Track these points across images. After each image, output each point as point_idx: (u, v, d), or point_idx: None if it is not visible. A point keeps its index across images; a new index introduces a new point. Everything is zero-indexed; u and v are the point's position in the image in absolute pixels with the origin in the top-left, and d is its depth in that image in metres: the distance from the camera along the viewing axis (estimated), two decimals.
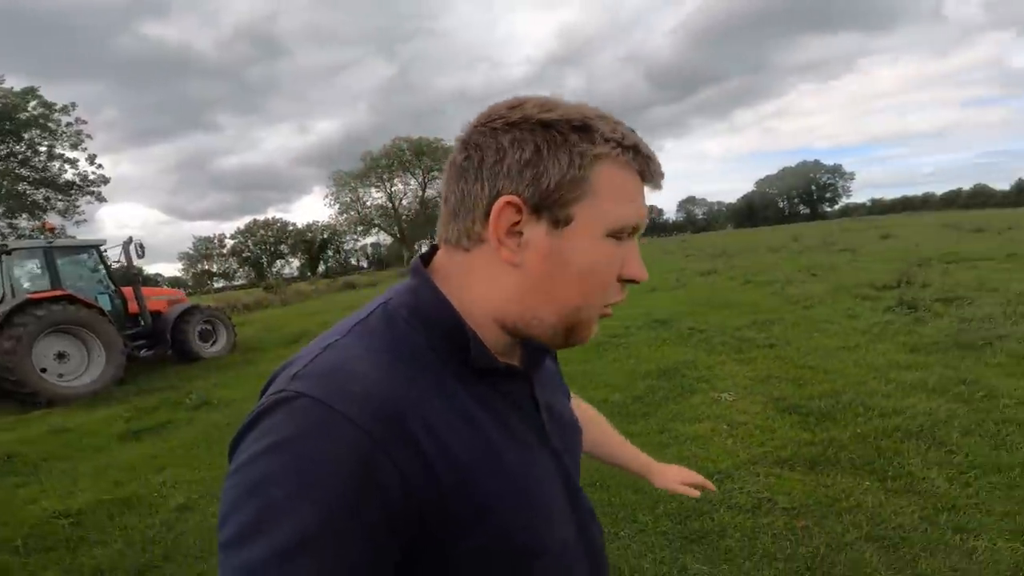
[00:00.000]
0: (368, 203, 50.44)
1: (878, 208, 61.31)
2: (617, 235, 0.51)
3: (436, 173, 49.82)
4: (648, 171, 0.52)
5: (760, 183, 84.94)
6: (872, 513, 2.28)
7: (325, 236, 65.77)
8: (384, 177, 49.47)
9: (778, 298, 8.20)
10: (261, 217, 73.92)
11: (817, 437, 3.08)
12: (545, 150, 0.48)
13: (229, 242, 68.95)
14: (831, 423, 3.27)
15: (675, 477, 0.96)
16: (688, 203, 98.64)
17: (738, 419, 3.51)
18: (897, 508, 2.29)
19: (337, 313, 13.32)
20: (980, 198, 52.86)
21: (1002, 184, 58.79)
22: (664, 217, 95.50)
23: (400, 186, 50.75)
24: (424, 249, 0.60)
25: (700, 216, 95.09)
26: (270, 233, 68.22)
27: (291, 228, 68.56)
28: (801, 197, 67.98)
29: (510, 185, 0.49)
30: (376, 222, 51.49)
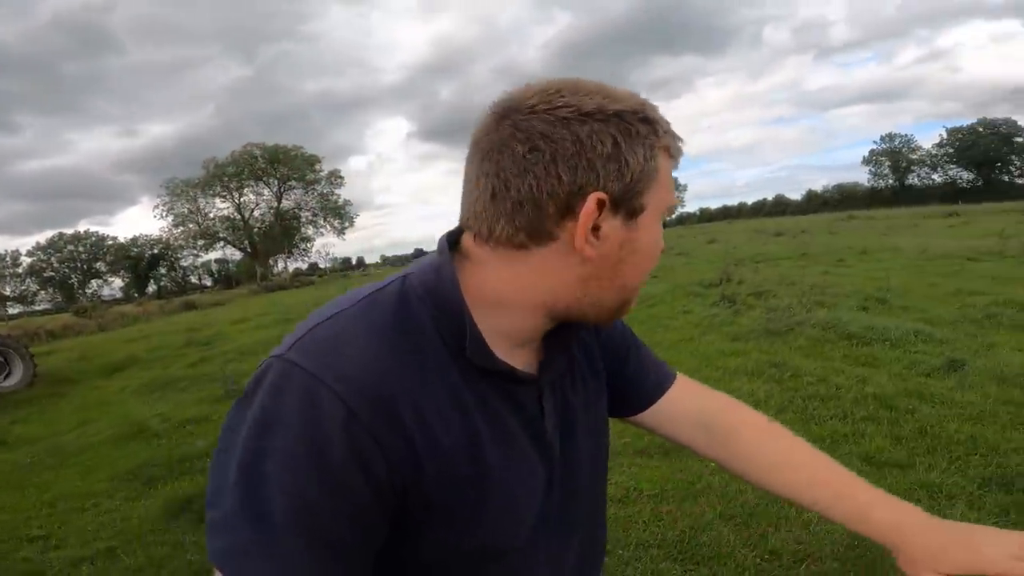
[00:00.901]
0: (211, 214, 45.36)
1: (705, 216, 70.39)
2: (663, 218, 0.52)
3: (294, 182, 46.41)
4: (679, 154, 0.53)
5: None
6: (721, 493, 2.50)
7: (155, 252, 57.58)
8: (232, 186, 44.86)
9: None
10: (70, 230, 61.81)
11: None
12: (624, 143, 0.47)
13: (26, 260, 57.18)
14: None
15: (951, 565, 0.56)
16: None
17: None
18: (739, 486, 2.53)
19: (170, 336, 11.74)
20: (780, 206, 63.32)
21: (795, 194, 71.41)
22: None
23: (251, 196, 46.41)
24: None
25: None
26: (81, 249, 57.87)
27: (109, 243, 58.85)
28: None
29: (595, 180, 0.46)
30: (221, 235, 46.39)
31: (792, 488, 0.67)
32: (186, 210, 44.02)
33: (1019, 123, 50.76)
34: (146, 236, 57.47)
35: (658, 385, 0.72)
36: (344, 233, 48.24)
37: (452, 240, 0.54)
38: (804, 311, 5.95)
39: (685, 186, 78.62)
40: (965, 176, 52.07)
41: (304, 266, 53.70)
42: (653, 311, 7.54)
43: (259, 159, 44.40)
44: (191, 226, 44.65)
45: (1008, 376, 3.53)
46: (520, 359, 0.54)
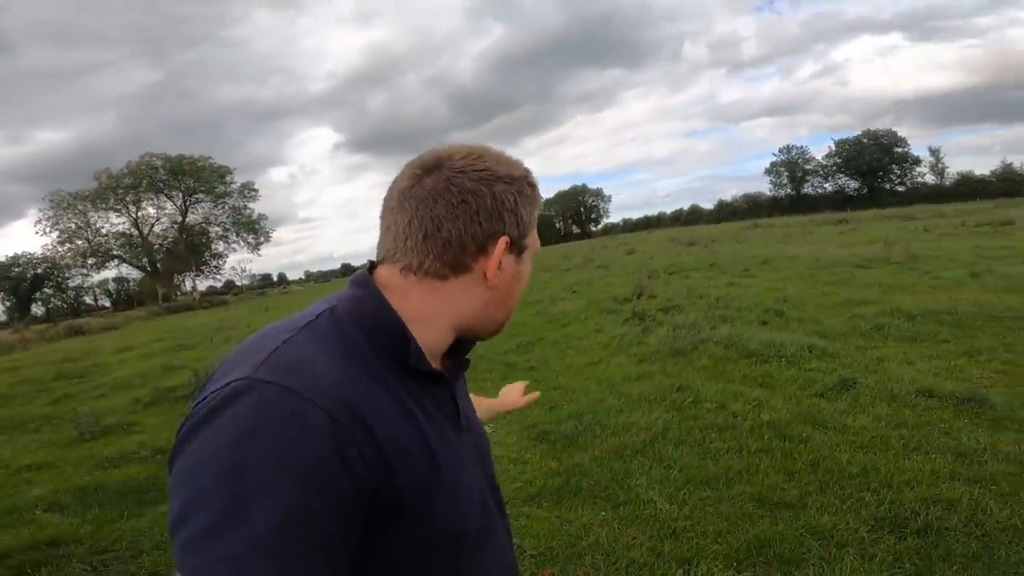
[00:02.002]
0: (104, 230, 41.13)
1: (628, 227, 72.67)
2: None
3: (201, 195, 43.01)
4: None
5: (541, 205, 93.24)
6: (608, 551, 2.25)
7: (38, 271, 51.53)
8: (128, 200, 40.91)
9: (541, 317, 8.74)
10: None
11: (563, 465, 3.09)
12: (519, 200, 0.61)
13: None
14: (575, 448, 3.34)
15: (515, 398, 1.15)
16: None
17: (495, 453, 3.36)
18: (629, 540, 2.30)
19: (41, 368, 10.18)
20: (695, 216, 66.69)
21: (708, 204, 75.39)
22: None
23: (151, 211, 42.50)
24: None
25: None
26: None
27: None
28: (573, 218, 76.98)
29: (502, 227, 0.60)
30: (115, 253, 42.15)
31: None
32: (74, 225, 39.62)
33: (899, 134, 56.97)
34: (29, 254, 51.26)
35: None
36: (259, 249, 45.43)
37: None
38: (708, 327, 5.97)
39: (609, 197, 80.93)
40: (852, 185, 57.30)
41: (218, 284, 50.19)
42: (567, 331, 7.39)
43: (160, 170, 40.78)
44: (79, 243, 40.19)
45: (898, 394, 3.57)
46: (437, 363, 0.63)
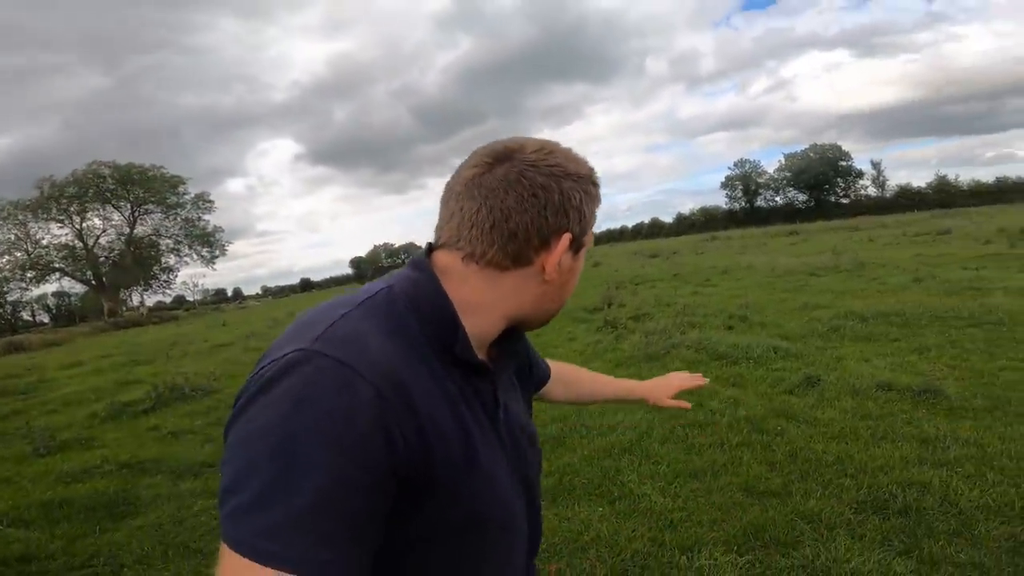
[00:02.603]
0: (45, 241, 38.83)
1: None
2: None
3: (151, 206, 41.13)
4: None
5: None
6: (610, 543, 2.29)
7: None
8: (71, 210, 38.77)
9: None
10: None
11: (553, 466, 3.12)
12: (586, 199, 0.62)
13: None
14: (563, 449, 3.38)
15: (666, 392, 1.14)
16: None
17: None
18: (629, 533, 2.35)
19: None
20: (655, 229, 68.61)
21: (668, 217, 77.69)
22: None
23: (97, 221, 40.37)
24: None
25: None
26: None
27: None
28: None
29: (567, 223, 0.60)
30: (57, 266, 39.82)
31: (600, 394, 1.11)
32: (12, 236, 37.30)
33: (843, 148, 60.24)
34: None
35: (546, 371, 0.95)
36: (214, 263, 43.78)
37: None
38: (678, 333, 6.17)
39: None
40: (800, 198, 60.36)
41: (167, 299, 48.06)
42: (540, 339, 7.46)
43: (107, 179, 38.88)
44: (18, 255, 37.84)
45: (860, 389, 3.79)
46: (483, 355, 0.64)
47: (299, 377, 0.47)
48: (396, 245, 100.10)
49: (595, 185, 0.63)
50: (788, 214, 52.27)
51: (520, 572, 0.71)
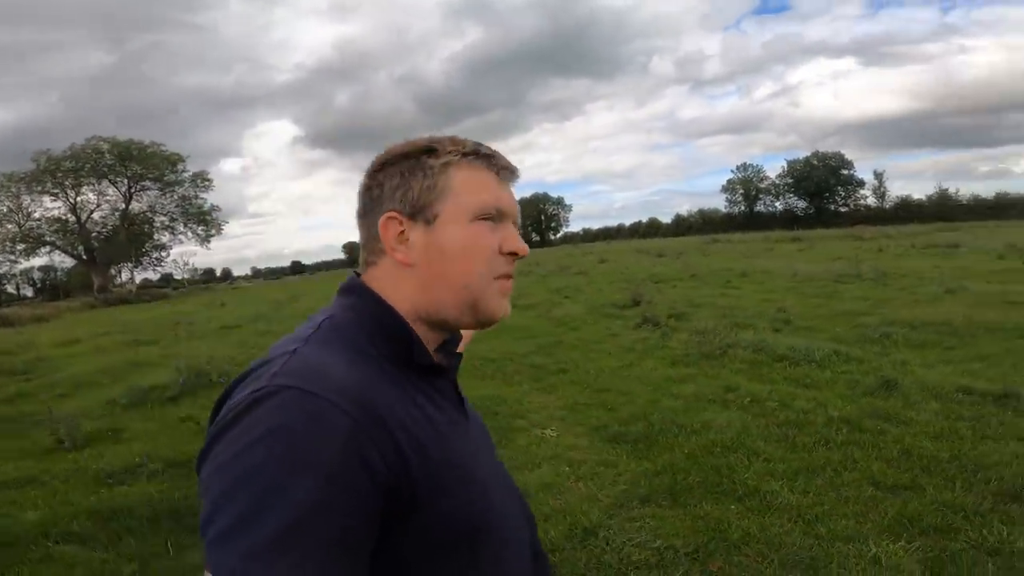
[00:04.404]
0: (37, 215, 38.01)
1: (588, 236, 73.86)
2: (484, 217, 0.62)
3: (148, 183, 40.46)
4: (493, 165, 0.64)
5: None
6: (766, 539, 2.29)
7: None
8: (67, 184, 37.96)
9: (546, 321, 8.81)
10: None
11: (657, 464, 3.13)
12: (407, 173, 0.63)
13: None
14: (658, 447, 3.40)
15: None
16: None
17: (575, 457, 3.39)
18: (780, 529, 2.35)
19: None
20: (653, 229, 68.88)
21: (666, 217, 78.50)
22: None
23: (91, 196, 39.56)
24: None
25: None
26: None
27: None
28: (533, 226, 77.62)
29: (390, 205, 0.62)
30: (49, 239, 39.07)
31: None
32: (5, 208, 36.49)
33: (845, 156, 60.80)
34: None
35: None
36: (209, 241, 43.22)
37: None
38: (732, 333, 6.21)
39: (570, 206, 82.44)
40: (800, 204, 60.91)
41: (155, 277, 47.39)
42: (580, 334, 7.49)
43: (106, 155, 38.11)
44: (10, 227, 37.05)
45: (941, 392, 3.87)
46: (436, 356, 0.65)
47: (266, 409, 0.48)
48: None
49: (429, 152, 0.63)
50: (787, 221, 52.73)
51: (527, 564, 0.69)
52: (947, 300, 7.84)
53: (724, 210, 64.10)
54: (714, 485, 2.82)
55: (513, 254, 0.63)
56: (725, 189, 64.92)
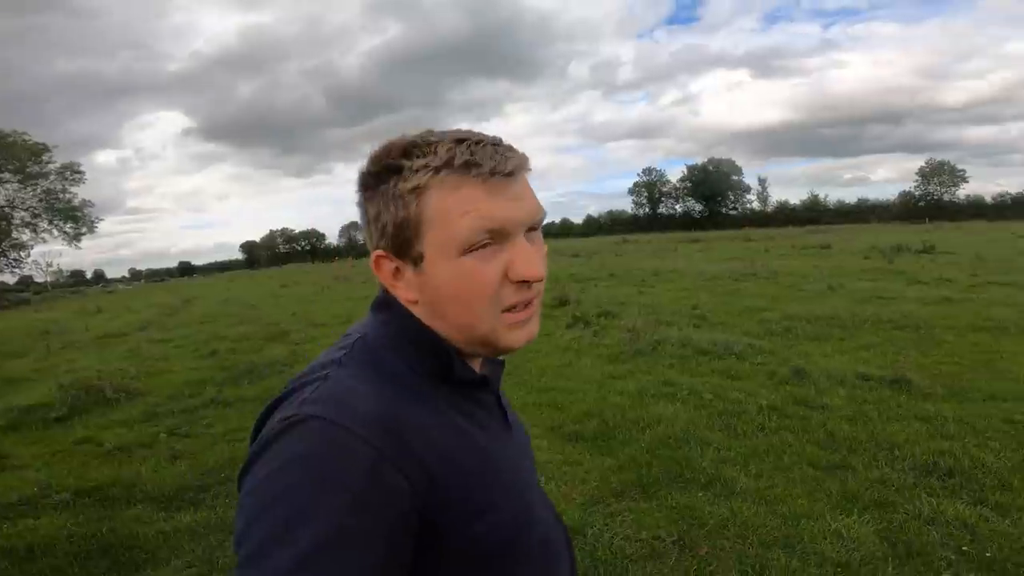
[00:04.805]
0: None
1: None
2: (473, 248, 0.53)
3: (8, 175, 35.05)
4: (478, 174, 0.53)
5: None
6: (740, 522, 2.49)
7: None
8: None
9: None
10: None
11: (620, 459, 3.31)
12: (381, 203, 0.56)
13: None
14: (616, 443, 3.59)
15: None
16: (351, 228, 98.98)
17: (539, 458, 3.47)
18: (749, 512, 2.57)
19: None
20: (565, 229, 71.71)
21: (578, 218, 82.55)
22: (327, 241, 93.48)
23: None
24: None
25: (362, 242, 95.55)
26: None
27: None
28: None
29: (376, 242, 0.58)
30: None
31: None
32: None
33: (736, 163, 67.39)
34: None
35: None
36: (79, 240, 38.40)
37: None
38: (657, 331, 6.65)
39: None
40: (697, 208, 66.78)
41: (12, 280, 41.40)
42: None
43: None
44: None
45: (844, 379, 4.43)
46: (478, 366, 0.64)
47: (291, 439, 0.49)
48: (296, 231, 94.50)
49: (392, 170, 0.55)
50: (685, 223, 57.14)
51: None
52: (831, 296, 8.92)
53: (631, 212, 68.12)
54: (677, 475, 3.04)
55: (522, 281, 0.55)
56: (632, 191, 69.10)
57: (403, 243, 0.55)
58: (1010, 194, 55.82)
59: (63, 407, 5.23)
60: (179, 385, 6.15)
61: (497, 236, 0.54)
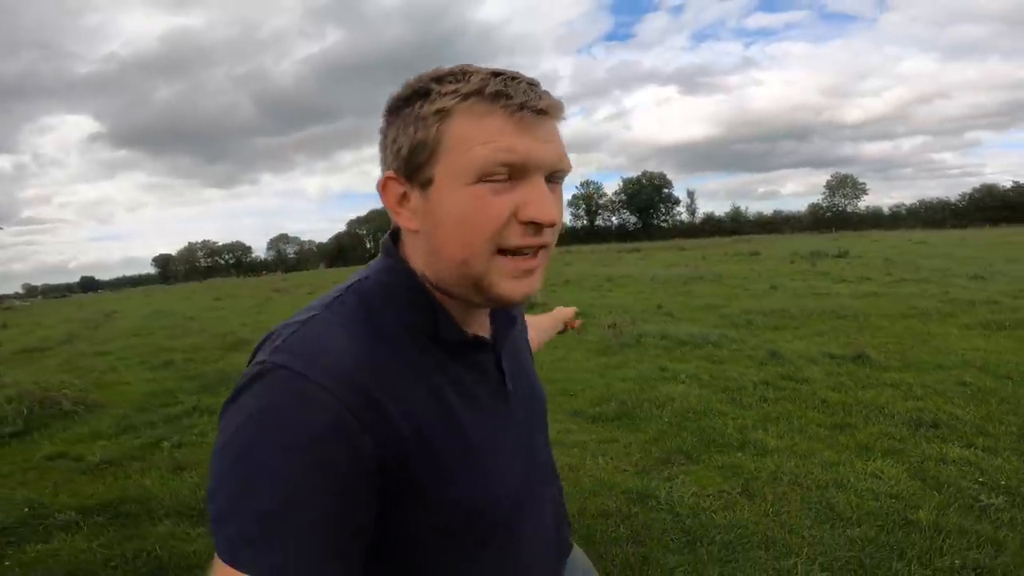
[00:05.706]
0: None
1: None
2: (490, 178, 0.51)
3: None
4: (508, 105, 0.51)
5: (351, 223, 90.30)
6: (789, 472, 2.84)
7: None
8: None
9: None
10: None
11: (651, 435, 3.60)
12: (401, 124, 0.54)
13: None
14: (639, 421, 3.89)
15: (567, 318, 1.35)
16: (280, 241, 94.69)
17: (575, 439, 3.65)
18: (790, 464, 2.92)
19: None
20: None
21: None
22: (254, 255, 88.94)
23: None
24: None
25: (292, 255, 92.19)
26: None
27: None
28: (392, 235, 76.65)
29: (389, 163, 0.56)
30: None
31: (548, 335, 1.28)
32: None
33: (667, 176, 71.38)
34: None
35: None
36: None
37: (394, 237, 0.62)
38: (636, 326, 7.12)
39: None
40: (632, 219, 70.27)
41: None
42: None
43: None
44: None
45: (815, 359, 5.03)
46: (478, 325, 0.63)
47: (256, 391, 0.49)
48: (219, 244, 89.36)
49: (421, 94, 0.54)
50: (621, 235, 59.80)
51: (551, 547, 0.71)
52: (775, 294, 9.84)
53: (570, 224, 70.32)
54: (711, 441, 3.38)
55: (530, 222, 0.52)
56: (571, 204, 71.21)
57: (416, 166, 0.53)
58: (905, 205, 64.87)
59: (18, 421, 4.88)
60: (141, 396, 5.88)
61: (516, 172, 0.52)
